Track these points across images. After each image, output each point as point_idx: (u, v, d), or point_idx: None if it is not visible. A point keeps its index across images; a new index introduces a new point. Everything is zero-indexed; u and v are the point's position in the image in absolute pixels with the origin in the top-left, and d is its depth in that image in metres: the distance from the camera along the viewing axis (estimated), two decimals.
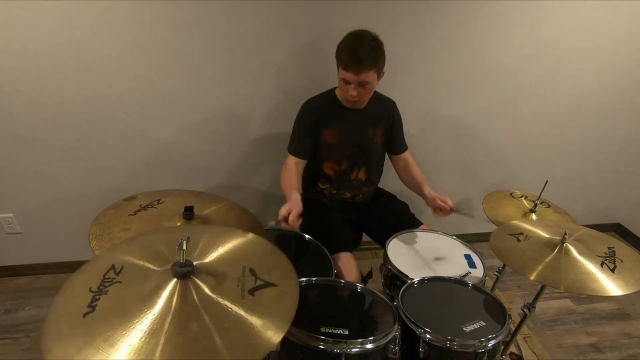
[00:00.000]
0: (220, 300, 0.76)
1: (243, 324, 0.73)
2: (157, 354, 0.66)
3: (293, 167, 1.55)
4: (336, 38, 1.40)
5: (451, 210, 1.43)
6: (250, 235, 0.99)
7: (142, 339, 0.68)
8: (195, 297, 0.76)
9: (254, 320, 0.73)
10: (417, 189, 1.63)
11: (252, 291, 0.80)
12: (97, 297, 0.77)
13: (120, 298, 0.77)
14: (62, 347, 0.68)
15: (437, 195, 1.49)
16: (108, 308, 0.75)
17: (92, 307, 0.75)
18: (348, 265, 1.45)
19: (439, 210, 1.47)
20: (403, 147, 1.71)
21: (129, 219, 1.14)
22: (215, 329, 0.71)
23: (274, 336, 0.71)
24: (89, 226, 1.10)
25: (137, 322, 0.71)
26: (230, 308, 0.75)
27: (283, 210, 1.28)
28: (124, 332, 0.69)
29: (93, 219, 1.13)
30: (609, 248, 1.18)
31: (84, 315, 0.73)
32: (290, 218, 1.27)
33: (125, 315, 0.72)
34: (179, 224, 1.12)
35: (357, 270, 1.47)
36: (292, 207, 1.30)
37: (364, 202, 1.72)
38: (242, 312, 0.75)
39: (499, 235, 1.24)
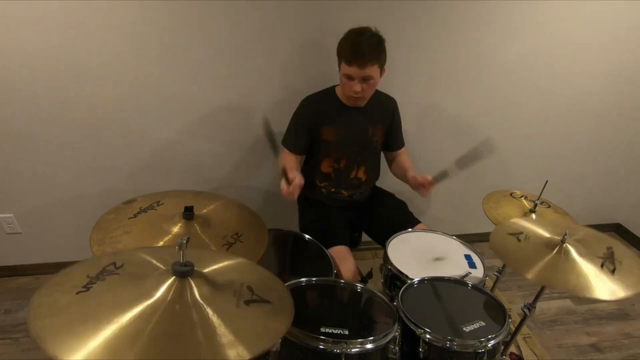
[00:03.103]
0: (212, 307, 0.76)
1: (227, 335, 0.72)
2: (143, 339, 0.66)
3: (291, 156, 1.57)
4: (336, 37, 1.41)
5: (432, 183, 1.43)
6: (247, 262, 0.98)
7: (131, 321, 0.68)
8: (189, 297, 0.76)
9: (241, 332, 0.73)
10: (403, 175, 1.60)
11: (247, 302, 0.80)
12: (93, 281, 0.78)
13: (116, 287, 0.77)
14: (50, 316, 0.68)
15: (417, 175, 1.48)
16: (102, 292, 0.75)
17: (86, 288, 0.76)
18: (345, 260, 1.45)
19: (421, 187, 1.46)
20: (400, 144, 1.72)
21: (129, 222, 1.14)
22: (201, 329, 0.71)
23: (242, 352, 0.69)
24: (89, 226, 1.10)
25: (130, 307, 0.71)
26: (221, 317, 0.75)
27: (283, 185, 1.31)
28: (115, 312, 0.69)
29: (93, 223, 1.13)
30: (607, 248, 1.18)
31: (77, 293, 0.74)
32: (292, 187, 1.29)
33: (119, 300, 0.73)
34: (179, 224, 1.12)
35: (354, 265, 1.47)
36: (294, 175, 1.31)
37: (362, 200, 1.73)
38: (229, 325, 0.74)
39: (499, 234, 1.24)
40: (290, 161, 1.55)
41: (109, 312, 0.70)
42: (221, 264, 0.93)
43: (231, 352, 0.68)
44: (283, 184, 1.31)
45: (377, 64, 1.36)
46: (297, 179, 1.31)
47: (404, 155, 1.72)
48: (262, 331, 0.76)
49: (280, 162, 1.62)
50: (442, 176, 1.38)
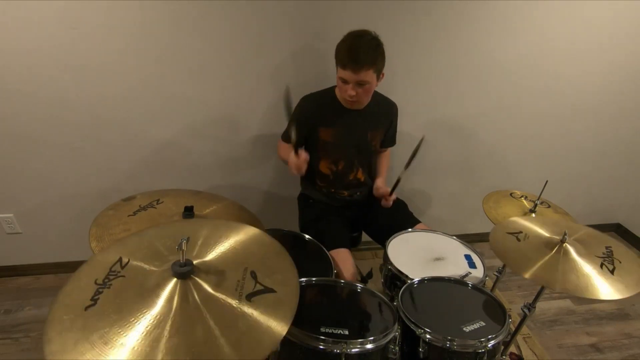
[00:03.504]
0: (222, 297, 0.76)
1: (245, 322, 0.73)
2: (159, 356, 0.66)
3: (289, 149, 1.62)
4: (335, 38, 1.40)
5: (390, 194, 1.56)
6: (257, 232, 0.97)
7: (139, 340, 0.68)
8: (196, 296, 0.76)
9: (254, 320, 0.73)
10: (375, 183, 1.70)
11: (249, 296, 0.80)
12: (100, 290, 0.78)
13: (121, 294, 0.77)
14: (61, 338, 0.69)
15: (380, 187, 1.61)
16: (109, 303, 0.75)
17: (94, 300, 0.76)
18: (345, 261, 1.45)
19: (382, 198, 1.58)
20: (390, 144, 1.76)
21: (128, 219, 1.13)
22: (217, 327, 0.71)
23: (273, 334, 0.70)
24: (89, 226, 1.10)
25: (135, 321, 0.71)
26: (233, 305, 0.75)
27: (292, 158, 1.39)
28: (120, 331, 0.69)
29: (93, 220, 1.13)
30: (606, 248, 1.18)
31: (86, 309, 0.74)
32: (301, 158, 1.37)
33: (123, 312, 0.72)
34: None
35: (354, 266, 1.47)
36: (300, 154, 1.39)
37: (362, 200, 1.73)
38: (243, 310, 0.74)
39: (499, 233, 1.24)
40: (289, 152, 1.59)
41: (115, 330, 0.69)
42: (226, 242, 0.92)
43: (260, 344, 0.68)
44: (292, 156, 1.39)
45: (372, 69, 1.34)
46: (304, 154, 1.39)
47: (386, 156, 1.77)
48: (264, 329, 0.75)
49: (278, 151, 1.69)
50: (396, 184, 1.51)
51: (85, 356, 0.65)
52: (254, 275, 0.84)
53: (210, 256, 0.88)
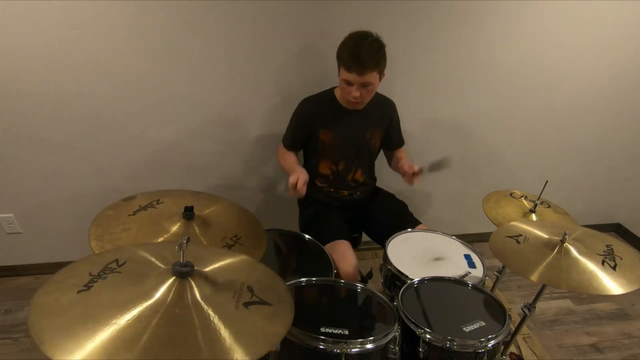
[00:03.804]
0: (211, 309, 0.76)
1: (239, 327, 0.73)
2: (142, 341, 0.66)
3: (289, 152, 1.65)
4: (335, 38, 1.40)
5: (416, 173, 1.47)
6: (250, 260, 0.98)
7: (130, 322, 0.68)
8: (189, 298, 0.76)
9: (239, 335, 0.72)
10: (397, 166, 1.65)
11: (246, 304, 0.80)
12: (95, 280, 0.78)
13: (117, 286, 0.77)
14: (49, 313, 0.69)
15: (405, 164, 1.54)
16: (103, 291, 0.75)
17: (87, 287, 0.76)
18: (345, 254, 1.45)
19: (408, 175, 1.50)
20: (399, 144, 1.74)
21: (128, 219, 1.13)
22: (201, 331, 0.71)
23: (242, 356, 0.69)
24: (89, 226, 1.10)
25: (129, 307, 0.71)
26: (219, 319, 0.74)
27: (291, 179, 1.39)
28: (114, 313, 0.69)
29: (92, 220, 1.13)
30: (607, 246, 1.18)
31: (79, 292, 0.74)
32: (299, 185, 1.37)
33: (118, 300, 0.73)
34: (179, 223, 1.12)
35: (354, 258, 1.47)
36: (299, 175, 1.40)
37: (362, 200, 1.73)
38: (228, 328, 0.73)
39: (498, 238, 1.24)
40: (290, 157, 1.63)
41: (107, 313, 0.69)
42: (223, 262, 0.92)
43: (231, 356, 0.68)
44: (291, 183, 1.39)
45: (376, 71, 1.36)
46: (302, 177, 1.39)
47: (402, 153, 1.75)
48: (260, 334, 0.75)
49: (279, 157, 1.69)
50: (420, 171, 1.48)
51: (77, 336, 0.65)
52: (250, 289, 0.85)
53: (209, 269, 0.88)
